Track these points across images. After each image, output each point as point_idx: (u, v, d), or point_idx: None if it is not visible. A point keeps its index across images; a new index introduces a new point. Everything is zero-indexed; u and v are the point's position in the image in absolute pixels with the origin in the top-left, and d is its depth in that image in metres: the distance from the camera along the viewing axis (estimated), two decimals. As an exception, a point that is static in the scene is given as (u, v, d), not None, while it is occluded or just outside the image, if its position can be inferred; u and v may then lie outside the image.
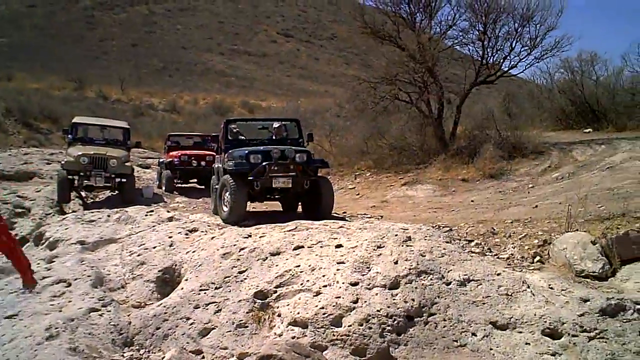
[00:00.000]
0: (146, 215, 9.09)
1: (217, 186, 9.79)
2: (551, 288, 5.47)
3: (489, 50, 18.00)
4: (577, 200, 7.86)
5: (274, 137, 10.06)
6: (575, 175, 12.18)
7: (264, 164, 8.61)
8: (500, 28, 17.79)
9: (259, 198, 9.51)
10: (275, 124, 10.27)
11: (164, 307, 5.58)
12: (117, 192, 13.58)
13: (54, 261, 7.12)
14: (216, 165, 10.66)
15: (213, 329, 5.19)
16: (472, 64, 18.43)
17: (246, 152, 8.85)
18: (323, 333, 4.80)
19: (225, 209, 8.75)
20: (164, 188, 15.60)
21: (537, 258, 6.66)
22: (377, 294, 5.21)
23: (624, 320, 4.93)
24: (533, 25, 17.45)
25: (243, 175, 8.66)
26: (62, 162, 13.05)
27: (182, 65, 60.71)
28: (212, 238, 6.99)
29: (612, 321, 4.93)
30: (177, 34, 71.39)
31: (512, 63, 18.44)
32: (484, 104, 20.27)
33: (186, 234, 7.56)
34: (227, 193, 8.64)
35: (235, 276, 5.85)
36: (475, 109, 19.86)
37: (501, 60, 18.34)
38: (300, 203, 10.08)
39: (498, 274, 5.67)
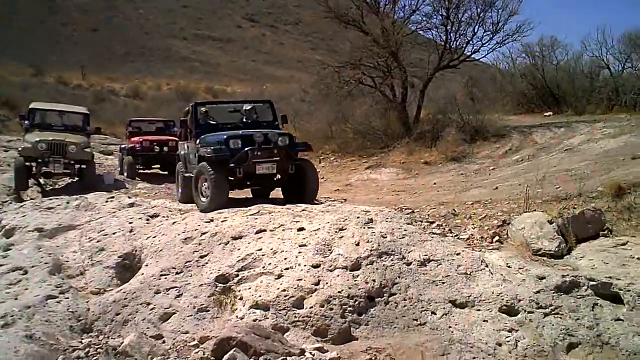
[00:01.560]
0: (106, 201, 8.95)
1: (186, 174, 9.46)
2: (509, 267, 5.59)
3: (452, 35, 18.20)
4: (535, 182, 8.02)
5: (245, 120, 9.51)
6: (535, 157, 12.43)
7: (246, 149, 8.04)
8: (463, 13, 18.01)
9: (240, 185, 8.84)
10: (247, 106, 9.73)
11: (124, 292, 5.52)
12: (77, 178, 13.29)
13: (10, 249, 6.97)
14: (182, 152, 10.13)
15: (174, 313, 5.15)
16: (436, 48, 18.58)
17: (225, 136, 8.27)
18: (285, 315, 4.82)
19: (203, 198, 8.10)
20: (125, 174, 15.35)
21: (496, 238, 6.77)
22: (338, 275, 5.23)
23: (578, 297, 5.07)
24: (495, 10, 17.74)
25: (222, 162, 8.07)
26: (19, 149, 12.71)
27: (145, 51, 59.62)
28: (174, 223, 6.93)
29: (566, 297, 5.06)
30: (139, 19, 69.95)
31: (475, 48, 18.71)
32: (447, 89, 20.45)
33: (147, 220, 7.47)
34: (206, 182, 8.07)
35: (196, 260, 5.82)
36: (439, 93, 20.03)
37: (464, 45, 18.59)
38: (281, 189, 9.49)
39: (458, 254, 5.75)
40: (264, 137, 8.26)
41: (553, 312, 4.91)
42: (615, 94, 18.28)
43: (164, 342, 4.76)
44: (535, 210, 7.00)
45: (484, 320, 4.84)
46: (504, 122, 16.33)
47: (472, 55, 19.26)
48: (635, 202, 6.98)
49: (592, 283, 5.17)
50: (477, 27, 18.14)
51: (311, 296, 4.98)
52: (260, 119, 9.65)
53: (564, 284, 5.15)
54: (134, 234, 6.98)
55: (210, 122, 9.43)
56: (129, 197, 9.49)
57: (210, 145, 8.26)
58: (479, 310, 4.98)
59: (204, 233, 6.30)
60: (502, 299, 5.03)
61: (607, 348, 4.60)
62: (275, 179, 8.85)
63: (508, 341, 4.61)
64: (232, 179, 8.27)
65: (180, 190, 9.93)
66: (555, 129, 14.77)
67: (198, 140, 8.81)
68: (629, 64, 19.83)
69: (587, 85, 19.53)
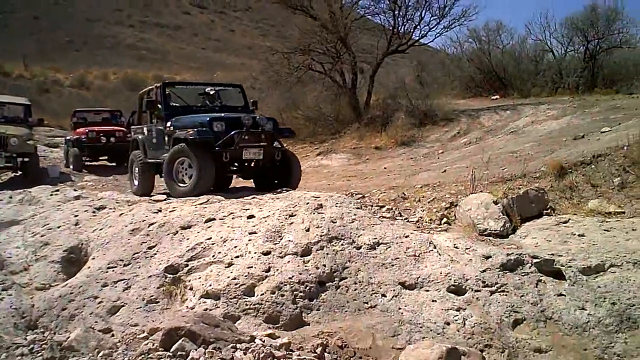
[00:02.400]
0: (51, 194, 8.68)
1: (148, 159, 9.01)
2: (456, 247, 5.68)
3: (399, 19, 18.41)
4: (482, 164, 8.19)
5: (216, 104, 9.14)
6: (482, 140, 12.70)
7: (233, 132, 7.55)
8: (410, -2, 18.12)
9: (221, 171, 8.06)
10: (210, 89, 9.34)
11: (70, 287, 5.37)
12: (19, 172, 12.88)
13: (-51, 247, 6.70)
14: (140, 136, 9.55)
15: (122, 306, 5.05)
16: (384, 33, 18.69)
17: (207, 118, 7.73)
18: (236, 303, 4.79)
19: (181, 184, 7.63)
20: (71, 167, 14.97)
21: (444, 220, 6.90)
22: (289, 261, 5.22)
23: (523, 274, 5.20)
24: (441, -6, 17.90)
25: (206, 144, 7.53)
26: (-43, 143, 12.20)
27: (90, 39, 57.84)
28: (121, 215, 6.77)
29: (511, 275, 5.18)
30: (83, 6, 67.78)
31: (423, 32, 19.00)
32: (396, 74, 20.65)
33: (93, 212, 7.28)
34: (183, 166, 7.64)
35: (144, 252, 5.71)
36: (389, 78, 20.21)
37: (412, 30, 18.82)
38: (253, 179, 9.14)
39: (406, 237, 5.82)
40: (252, 121, 7.86)
41: (499, 290, 5.03)
42: (559, 76, 18.83)
43: (112, 335, 4.67)
44: (481, 191, 7.16)
45: (433, 301, 4.92)
46: (452, 106, 16.63)
47: (420, 40, 19.53)
48: (576, 181, 7.22)
49: (535, 260, 5.31)
50: (424, 11, 18.43)
51: (262, 283, 4.95)
52: (230, 103, 9.35)
53: (509, 262, 5.27)
54: (79, 227, 6.80)
55: (179, 104, 9.01)
56: (75, 190, 9.21)
57: (190, 127, 7.73)
58: (427, 290, 5.06)
59: (152, 224, 6.18)
60: (450, 279, 5.12)
61: (550, 323, 4.75)
62: (255, 165, 8.29)
63: (456, 320, 4.70)
64: (214, 163, 7.71)
65: (136, 181, 9.43)
66: (502, 111, 15.10)
67: (169, 123, 8.30)
68: (571, 47, 20.51)
69: (532, 69, 20.05)
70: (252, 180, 9.18)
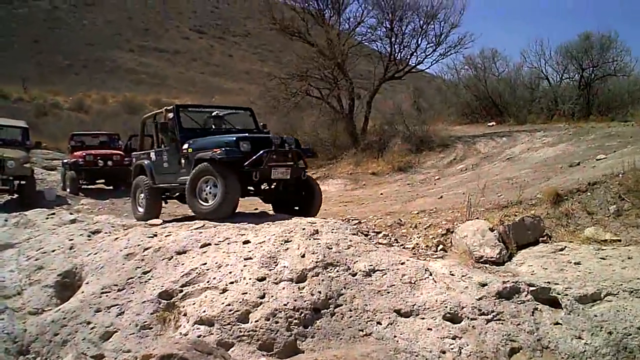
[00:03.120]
0: (47, 218, 8.65)
1: (155, 185, 8.89)
2: (452, 274, 5.66)
3: (396, 46, 18.60)
4: (478, 190, 8.21)
5: (214, 127, 8.89)
6: (478, 166, 12.73)
7: (262, 151, 7.38)
8: (406, 25, 18.45)
9: (244, 192, 7.92)
10: (219, 112, 9.14)
11: (63, 312, 5.33)
12: (16, 195, 12.84)
13: (-57, 270, 6.64)
14: (147, 162, 9.27)
15: (115, 332, 5.01)
16: (381, 60, 18.87)
17: (234, 138, 7.59)
18: (230, 330, 4.75)
19: (205, 203, 7.44)
20: (68, 190, 14.94)
21: (441, 246, 6.89)
22: (284, 288, 5.19)
23: (519, 302, 5.17)
24: (437, 22, 18.26)
25: (231, 165, 7.36)
26: (-45, 165, 12.19)
27: (89, 63, 58.27)
28: (116, 239, 6.74)
29: (507, 303, 5.16)
30: (82, 30, 68.38)
31: (419, 59, 19.18)
32: (393, 100, 20.80)
33: (88, 236, 7.25)
34: (207, 185, 7.45)
35: (139, 277, 5.67)
36: (386, 104, 20.36)
37: (408, 57, 18.98)
38: (272, 203, 8.84)
39: (402, 263, 5.80)
40: (280, 140, 7.75)
41: (495, 318, 5.00)
42: (554, 103, 18.96)
43: (104, 361, 4.64)
44: (477, 218, 7.16)
45: (429, 329, 4.89)
46: (449, 132, 16.73)
47: (417, 67, 19.68)
48: (572, 208, 7.23)
49: (531, 288, 5.29)
50: (420, 39, 18.63)
51: (256, 310, 4.92)
52: (239, 126, 9.29)
53: (505, 290, 5.25)
54: (74, 251, 6.76)
55: (193, 127, 8.88)
56: (71, 214, 9.20)
57: (214, 148, 7.54)
58: (423, 318, 5.03)
59: (146, 248, 6.15)
60: (446, 307, 5.09)
61: (547, 352, 4.71)
62: (276, 187, 8.20)
63: (452, 348, 4.67)
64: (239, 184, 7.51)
65: (141, 207, 9.27)
66: (498, 138, 15.18)
67: (186, 145, 8.11)
68: (567, 74, 20.65)
69: (527, 96, 20.21)
70: (270, 204, 8.95)
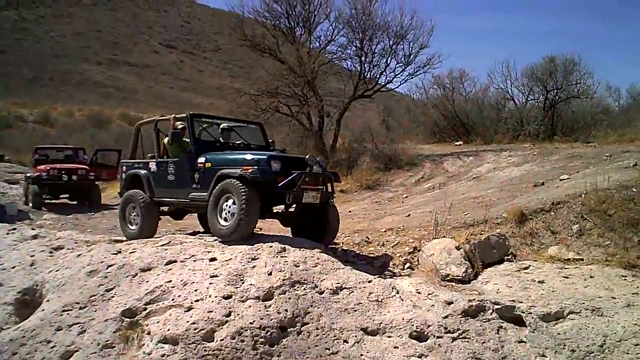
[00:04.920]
0: (7, 233, 8.43)
1: (156, 197, 8.17)
2: (419, 292, 5.69)
3: (366, 65, 18.77)
4: (445, 209, 8.29)
5: (221, 141, 8.24)
6: (446, 185, 12.86)
7: (296, 173, 6.88)
8: (376, 45, 18.64)
9: (262, 214, 7.27)
10: (224, 125, 8.45)
11: (22, 330, 5.18)
12: (-24, 210, 12.51)
13: None
14: (143, 172, 8.46)
15: (76, 351, 4.88)
16: (351, 78, 19.04)
17: (266, 157, 7.00)
18: (194, 349, 4.67)
19: (224, 223, 6.87)
20: (30, 204, 14.60)
21: (408, 264, 6.93)
22: (250, 306, 5.14)
23: (484, 320, 5.22)
24: (407, 42, 18.50)
25: (258, 184, 6.78)
26: None
27: (56, 75, 57.57)
28: (79, 255, 6.60)
29: (473, 321, 5.20)
30: (50, 42, 67.54)
31: (388, 78, 19.36)
32: (363, 118, 20.98)
33: (50, 252, 7.09)
34: (231, 203, 6.83)
35: (102, 294, 5.55)
36: (356, 122, 20.50)
37: (378, 76, 19.14)
38: (291, 226, 8.20)
39: (369, 282, 5.81)
40: (315, 162, 7.19)
41: (461, 337, 5.03)
42: (519, 124, 19.33)
43: (65, 382, 4.52)
44: (444, 236, 7.23)
45: (395, 347, 4.89)
46: (417, 151, 16.91)
47: (387, 86, 19.88)
48: (537, 227, 7.35)
49: (497, 307, 5.34)
50: (389, 58, 18.83)
51: (222, 328, 4.86)
52: (249, 142, 8.65)
53: (470, 309, 5.29)
54: (35, 268, 6.60)
55: (207, 139, 8.22)
56: (33, 229, 8.98)
57: (242, 165, 6.96)
58: (390, 337, 5.03)
59: (110, 265, 6.03)
60: (412, 325, 5.10)
61: (511, 370, 4.76)
62: (299, 210, 7.64)
63: (418, 367, 4.68)
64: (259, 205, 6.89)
65: (133, 225, 8.38)
66: (465, 157, 15.39)
67: (203, 158, 7.52)
68: (532, 96, 21.10)
69: (494, 116, 20.59)
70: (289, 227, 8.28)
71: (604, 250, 6.64)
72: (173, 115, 8.27)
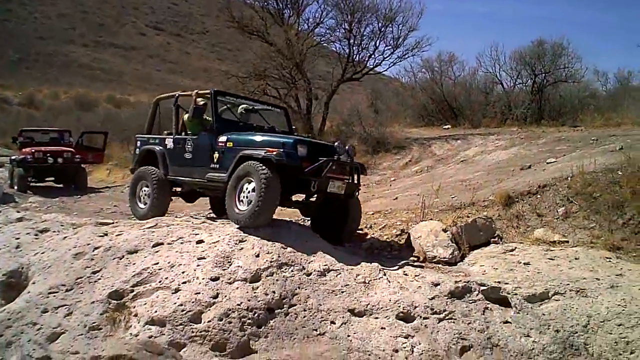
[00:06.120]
0: (-8, 216, 8.36)
1: (169, 176, 7.76)
2: (406, 274, 5.73)
3: (354, 48, 18.71)
4: (432, 192, 8.32)
5: (242, 122, 7.86)
6: (433, 168, 12.90)
7: (324, 160, 6.43)
8: (365, 27, 18.58)
9: (282, 202, 6.73)
10: (246, 105, 8.08)
11: (8, 312, 5.16)
12: (-40, 192, 12.37)
13: None
14: (158, 148, 8.07)
15: (63, 333, 4.87)
16: (339, 61, 18.97)
17: (292, 140, 6.55)
18: (182, 330, 4.68)
19: (242, 207, 6.38)
20: (15, 187, 14.48)
21: (395, 246, 6.95)
22: (237, 288, 5.16)
23: (470, 301, 5.27)
24: (396, 25, 18.44)
25: (284, 168, 6.33)
26: None
27: (41, 57, 56.81)
28: (65, 238, 6.56)
29: (459, 302, 5.24)
30: (35, 23, 66.53)
31: (377, 61, 19.32)
32: (351, 101, 20.93)
33: (36, 235, 7.03)
34: (251, 188, 6.33)
35: (88, 277, 5.53)
36: (344, 105, 20.46)
37: (366, 59, 19.10)
38: (311, 219, 7.78)
39: (357, 264, 5.85)
40: (343, 150, 6.75)
41: (447, 318, 5.08)
42: (507, 108, 19.37)
43: (51, 363, 4.52)
44: (431, 219, 7.25)
45: (382, 328, 4.93)
46: (405, 135, 16.91)
47: (375, 69, 19.84)
48: (523, 210, 7.40)
49: (482, 288, 5.39)
50: (378, 41, 18.80)
51: (209, 310, 4.87)
52: (274, 126, 8.29)
53: (457, 290, 5.33)
54: (20, 250, 6.55)
55: (230, 118, 7.86)
56: (18, 212, 8.89)
57: (266, 146, 6.54)
58: (376, 318, 5.07)
59: (96, 248, 6.00)
60: (399, 306, 5.14)
61: (497, 350, 4.81)
62: (318, 200, 7.25)
63: (404, 347, 4.72)
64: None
65: (143, 203, 8.05)
66: (453, 141, 15.42)
67: (225, 137, 7.09)
68: (520, 80, 21.09)
69: (482, 100, 20.60)
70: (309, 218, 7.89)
71: (589, 233, 6.71)
72: (195, 91, 7.84)
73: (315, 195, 7.08)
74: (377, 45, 18.84)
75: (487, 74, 21.83)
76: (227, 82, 18.44)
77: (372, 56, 19.13)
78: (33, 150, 14.91)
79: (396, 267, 5.94)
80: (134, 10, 79.27)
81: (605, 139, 11.06)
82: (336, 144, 6.80)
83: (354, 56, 18.84)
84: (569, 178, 7.69)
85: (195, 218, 7.72)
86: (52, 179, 15.76)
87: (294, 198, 7.21)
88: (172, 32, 77.49)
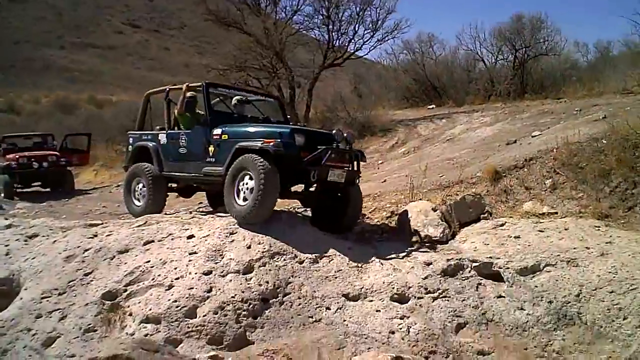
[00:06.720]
0: (-21, 225, 8.27)
1: (165, 172, 7.61)
2: (398, 256, 5.76)
3: (334, 34, 18.65)
4: (420, 172, 8.33)
5: (238, 114, 7.62)
6: (420, 149, 12.92)
7: (322, 148, 6.26)
8: (342, 12, 18.51)
9: (282, 193, 6.55)
10: (239, 96, 7.84)
11: (1, 320, 5.10)
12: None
13: None
14: (152, 144, 7.87)
15: (58, 337, 4.84)
16: (320, 48, 18.90)
17: (288, 130, 6.38)
18: (177, 326, 4.68)
19: (242, 202, 6.17)
20: (2, 195, 14.33)
21: (386, 229, 6.95)
22: (231, 280, 5.16)
23: (463, 278, 5.31)
24: (373, 8, 18.35)
25: (278, 159, 6.13)
26: None
27: (18, 62, 56.00)
28: (54, 242, 6.50)
29: (452, 280, 5.29)
30: (9, 29, 65.44)
31: (357, 46, 19.25)
32: (334, 87, 20.89)
33: (25, 241, 6.96)
34: (249, 180, 6.14)
35: (80, 279, 5.50)
36: (328, 91, 20.41)
37: (347, 43, 19.02)
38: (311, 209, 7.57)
39: (349, 248, 5.87)
40: (342, 137, 6.58)
41: (441, 296, 5.12)
42: (490, 84, 19.39)
43: (48, 368, 4.49)
44: (420, 199, 7.26)
45: (377, 311, 4.96)
46: (390, 117, 16.91)
47: (356, 53, 19.79)
48: (511, 184, 7.43)
49: (475, 264, 5.43)
50: (357, 25, 18.74)
51: (204, 304, 4.87)
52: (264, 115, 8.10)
53: (449, 268, 5.37)
54: (10, 257, 6.48)
55: (224, 110, 7.64)
56: (6, 219, 8.80)
57: (262, 137, 6.36)
58: (371, 301, 5.09)
59: (87, 249, 5.97)
60: (393, 288, 5.17)
61: (492, 325, 4.86)
62: (317, 189, 7.04)
63: (400, 328, 4.75)
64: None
65: (138, 200, 7.89)
66: (438, 120, 15.44)
67: (220, 130, 6.91)
68: (501, 56, 21.09)
69: (464, 78, 20.60)
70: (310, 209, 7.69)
71: (577, 203, 6.74)
72: (186, 84, 7.62)
73: (315, 185, 6.91)
74: (357, 29, 18.81)
75: (468, 52, 21.83)
76: (208, 75, 18.29)
77: (352, 41, 19.10)
78: (17, 156, 14.78)
79: (388, 249, 5.95)
80: (108, 9, 78.22)
81: (589, 109, 11.11)
82: (334, 131, 6.62)
83: (334, 42, 18.79)
84: (555, 150, 7.72)
85: (185, 213, 7.69)
86: (39, 183, 15.65)
87: (293, 189, 7.02)
88: (150, 29, 76.68)
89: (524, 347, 4.60)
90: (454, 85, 20.25)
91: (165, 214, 7.70)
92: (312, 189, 7.02)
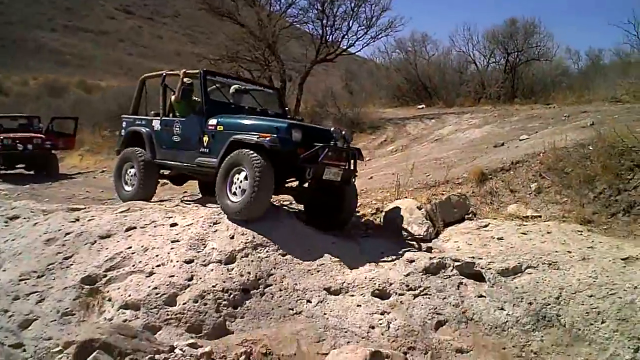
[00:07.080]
0: (-40, 205, 8.17)
1: (157, 159, 7.42)
2: (381, 252, 5.76)
3: (328, 29, 18.57)
4: (407, 171, 8.34)
5: (233, 104, 7.38)
6: (408, 147, 12.95)
7: (320, 146, 6.07)
8: (337, 7, 18.46)
9: (277, 189, 6.35)
10: (238, 86, 7.64)
11: (-22, 301, 5.07)
12: None
13: None
14: (145, 130, 7.68)
15: (35, 319, 4.80)
16: (313, 42, 18.86)
17: (286, 124, 6.16)
18: (156, 313, 4.66)
19: (234, 198, 5.98)
20: (-16, 175, 14.19)
21: (370, 225, 6.96)
22: (212, 269, 5.14)
23: (445, 277, 5.31)
24: (368, 5, 18.32)
25: (275, 155, 5.94)
26: None
27: (9, 43, 55.36)
28: (35, 224, 6.44)
29: (434, 278, 5.29)
30: (1, 8, 64.88)
31: (350, 42, 19.20)
32: (325, 82, 20.87)
33: (5, 222, 6.88)
34: (243, 176, 5.96)
35: (60, 262, 5.46)
36: (318, 86, 20.39)
37: (340, 39, 18.99)
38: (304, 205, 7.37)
39: (333, 243, 5.87)
40: (340, 135, 6.39)
41: (422, 293, 5.12)
42: (481, 87, 19.48)
43: (24, 350, 4.45)
44: (406, 197, 7.27)
45: (358, 305, 4.96)
46: (380, 115, 16.95)
47: (348, 49, 19.76)
48: (496, 186, 7.47)
49: (457, 264, 5.43)
50: (351, 21, 18.71)
51: (184, 292, 4.85)
52: (261, 106, 7.91)
53: (431, 266, 5.37)
54: (-11, 239, 6.43)
55: (220, 100, 7.40)
56: (-13, 199, 8.73)
57: (259, 131, 6.15)
58: (352, 295, 5.10)
59: (68, 233, 5.91)
60: (375, 284, 5.18)
61: (471, 323, 4.87)
62: (310, 186, 6.73)
63: (380, 323, 4.76)
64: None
65: (129, 186, 7.73)
66: (427, 120, 15.49)
67: (215, 120, 6.70)
68: (493, 59, 21.20)
69: (456, 79, 20.67)
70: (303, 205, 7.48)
71: (561, 207, 6.78)
72: (183, 70, 7.41)
73: (309, 182, 6.64)
74: (350, 25, 18.78)
75: (461, 54, 21.93)
76: (199, 65, 18.20)
77: (346, 37, 19.07)
78: (2, 137, 14.58)
79: (372, 246, 5.96)
80: (102, -7, 77.64)
81: (577, 116, 11.18)
82: (332, 129, 6.51)
83: (327, 37, 18.75)
84: (541, 154, 7.76)
85: (169, 202, 7.65)
86: (23, 166, 15.48)
87: (287, 184, 6.87)
88: (143, 16, 76.13)
89: (502, 347, 4.62)
90: (445, 86, 20.31)
91: (149, 201, 7.65)
92: (305, 186, 6.80)
